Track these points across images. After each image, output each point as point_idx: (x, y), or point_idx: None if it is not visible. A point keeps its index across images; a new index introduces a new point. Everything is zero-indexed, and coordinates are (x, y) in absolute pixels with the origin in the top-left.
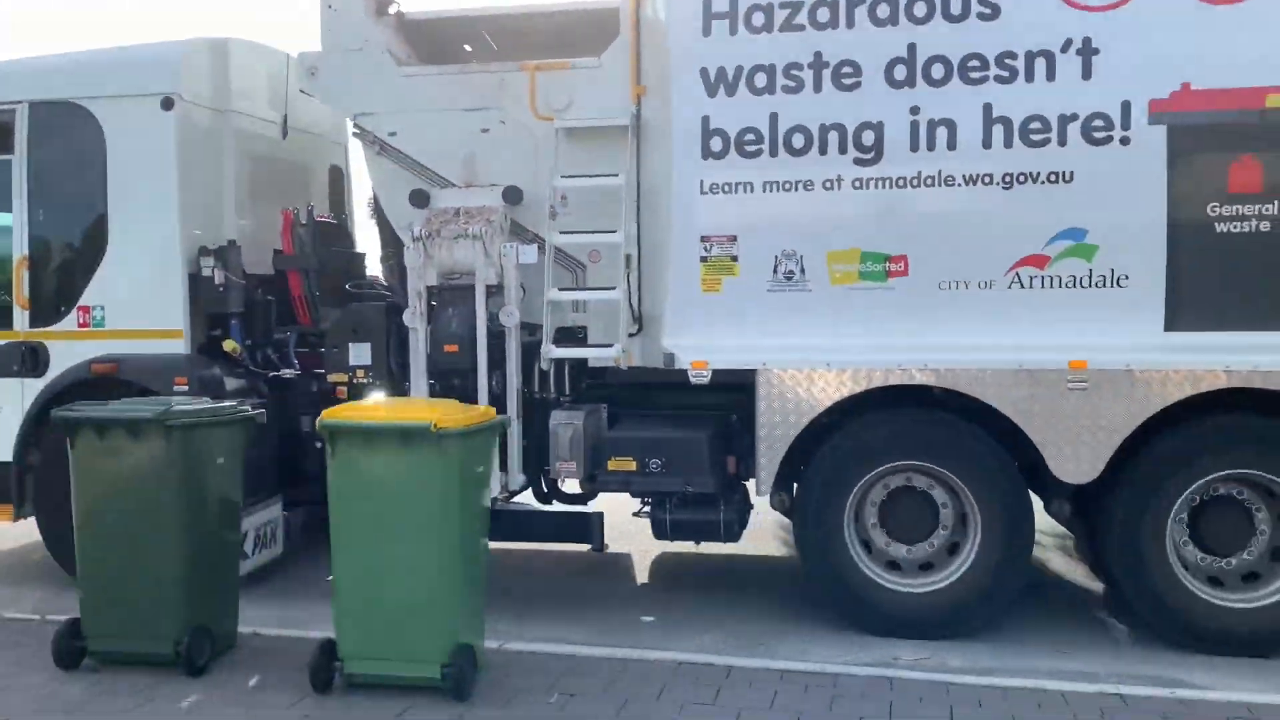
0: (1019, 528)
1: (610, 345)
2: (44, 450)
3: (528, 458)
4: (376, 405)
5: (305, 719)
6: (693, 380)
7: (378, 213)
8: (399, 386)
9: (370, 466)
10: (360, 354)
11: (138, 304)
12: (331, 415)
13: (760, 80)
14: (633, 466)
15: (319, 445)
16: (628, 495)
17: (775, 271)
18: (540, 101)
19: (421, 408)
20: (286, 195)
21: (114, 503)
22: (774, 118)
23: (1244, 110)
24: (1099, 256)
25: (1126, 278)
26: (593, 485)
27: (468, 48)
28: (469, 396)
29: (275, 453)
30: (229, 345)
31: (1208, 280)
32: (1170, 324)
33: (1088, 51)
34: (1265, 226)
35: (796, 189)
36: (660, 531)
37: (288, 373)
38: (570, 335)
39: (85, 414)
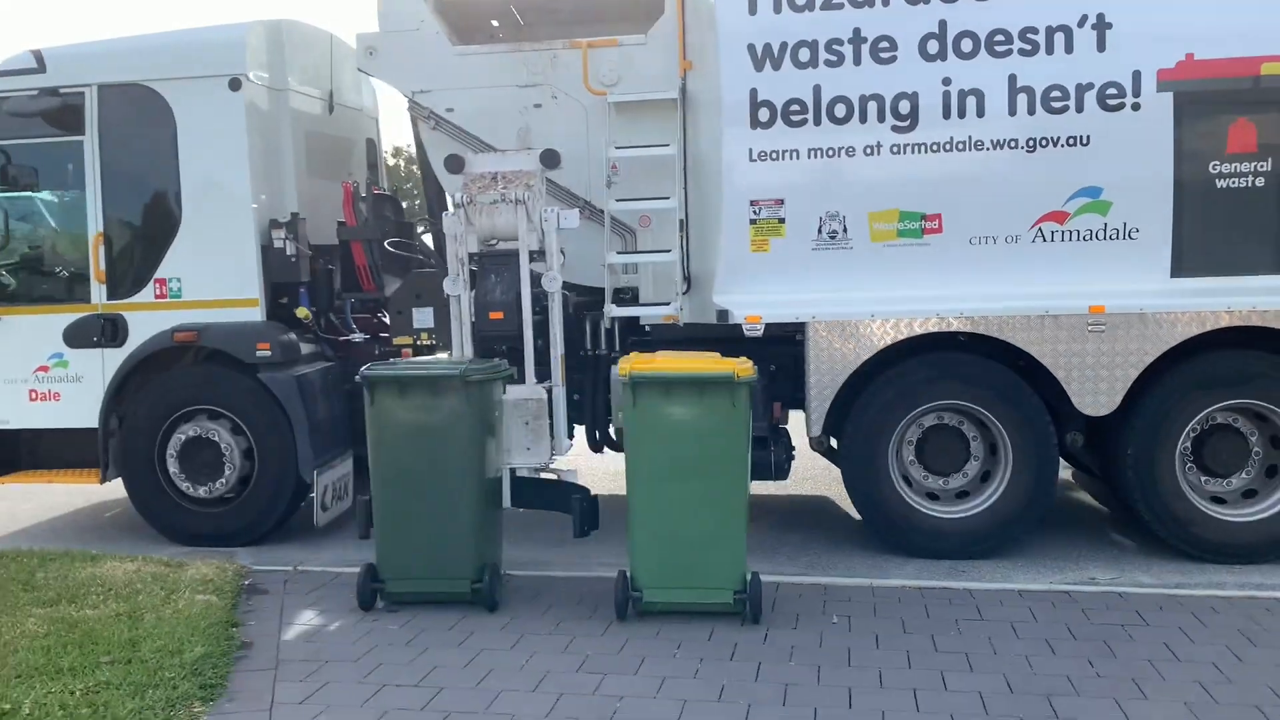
0: (1047, 455)
1: (666, 304)
2: (126, 415)
3: (581, 413)
4: (665, 357)
5: (627, 642)
6: (747, 333)
7: (429, 184)
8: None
9: (670, 413)
10: (423, 318)
11: (213, 275)
12: (635, 367)
13: (804, 55)
14: None
15: None
16: None
17: (820, 231)
18: (592, 76)
19: (708, 360)
20: (334, 168)
21: (412, 454)
22: (817, 89)
23: (1241, 78)
24: (1113, 211)
25: (1138, 230)
26: None
27: (495, 23)
28: (514, 362)
29: (344, 412)
30: (301, 312)
31: (1210, 231)
32: (1176, 271)
33: (1101, 26)
34: (1260, 182)
35: (839, 154)
36: None
37: (357, 337)
38: (618, 296)
39: (390, 373)
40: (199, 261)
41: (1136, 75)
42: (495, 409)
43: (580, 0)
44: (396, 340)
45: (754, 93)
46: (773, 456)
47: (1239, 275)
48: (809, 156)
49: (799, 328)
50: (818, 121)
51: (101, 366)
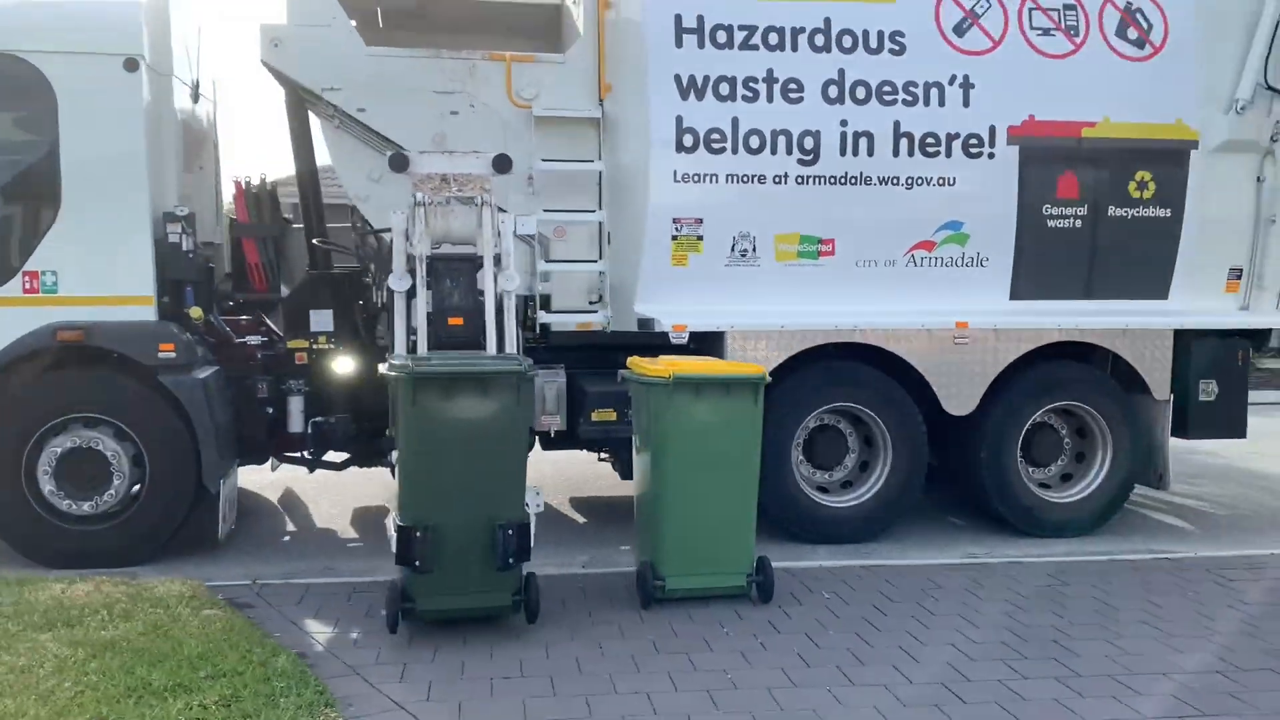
0: (919, 449)
1: (591, 310)
2: None
3: None
4: (674, 360)
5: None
6: (673, 340)
7: (307, 181)
8: (366, 350)
9: (699, 411)
10: (321, 320)
11: (98, 269)
12: (661, 370)
13: (724, 89)
14: (614, 417)
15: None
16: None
17: (733, 250)
18: (514, 89)
19: (727, 364)
20: (197, 160)
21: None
22: (735, 121)
23: (1068, 138)
24: (970, 243)
25: (988, 259)
26: (575, 435)
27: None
28: None
29: (232, 419)
30: (195, 312)
31: (1040, 262)
32: (1014, 294)
33: (967, 85)
34: (1079, 224)
35: (752, 181)
36: (628, 472)
37: (254, 339)
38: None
39: (441, 369)
40: (80, 254)
41: (992, 129)
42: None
43: (480, 11)
44: (292, 343)
45: (680, 119)
46: None
47: (1060, 300)
48: (726, 181)
49: (706, 336)
50: (735, 150)
51: None
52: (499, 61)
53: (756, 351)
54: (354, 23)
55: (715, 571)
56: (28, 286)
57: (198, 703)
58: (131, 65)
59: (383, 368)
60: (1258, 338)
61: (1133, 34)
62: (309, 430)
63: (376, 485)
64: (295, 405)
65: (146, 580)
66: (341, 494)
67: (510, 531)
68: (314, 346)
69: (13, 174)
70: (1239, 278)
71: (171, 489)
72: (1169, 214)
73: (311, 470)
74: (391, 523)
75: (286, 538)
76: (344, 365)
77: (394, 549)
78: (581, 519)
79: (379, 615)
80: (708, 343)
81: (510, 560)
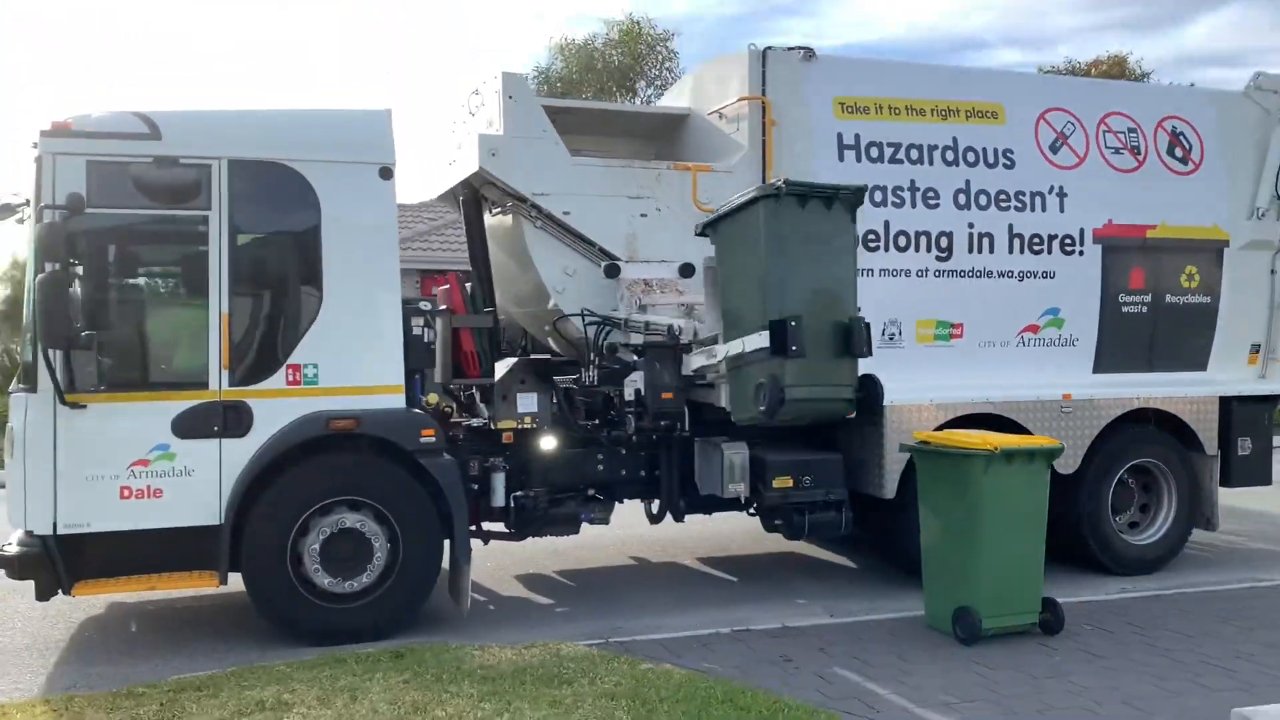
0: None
1: None
2: (251, 509)
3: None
4: (971, 434)
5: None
6: (846, 415)
7: (481, 268)
8: (568, 430)
9: (1007, 477)
10: (528, 403)
11: (355, 362)
12: (989, 443)
13: (878, 196)
14: (790, 484)
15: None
16: None
17: (883, 334)
18: (698, 195)
19: (1020, 437)
20: None
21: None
22: (886, 224)
23: (1135, 238)
24: (1065, 326)
25: (1078, 339)
26: (758, 500)
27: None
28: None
29: None
30: (432, 398)
31: (1116, 340)
32: (1097, 368)
33: (1061, 194)
34: (1144, 309)
35: (899, 275)
36: (796, 533)
37: (476, 421)
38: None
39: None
40: (339, 347)
41: (1081, 231)
42: None
43: (609, 118)
44: (501, 424)
45: None
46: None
47: (1130, 373)
48: (879, 275)
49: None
50: (886, 249)
51: (218, 458)
52: (684, 171)
53: (911, 421)
54: (559, 137)
55: (1017, 612)
56: (291, 379)
57: None
58: (386, 174)
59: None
60: (1272, 401)
61: (1179, 153)
62: (510, 504)
63: (528, 550)
64: (499, 481)
65: (563, 644)
66: (494, 559)
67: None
68: (520, 426)
69: (278, 274)
70: (1258, 351)
71: (423, 566)
72: (1209, 300)
73: (486, 542)
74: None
75: (491, 604)
76: (547, 443)
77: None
78: (732, 578)
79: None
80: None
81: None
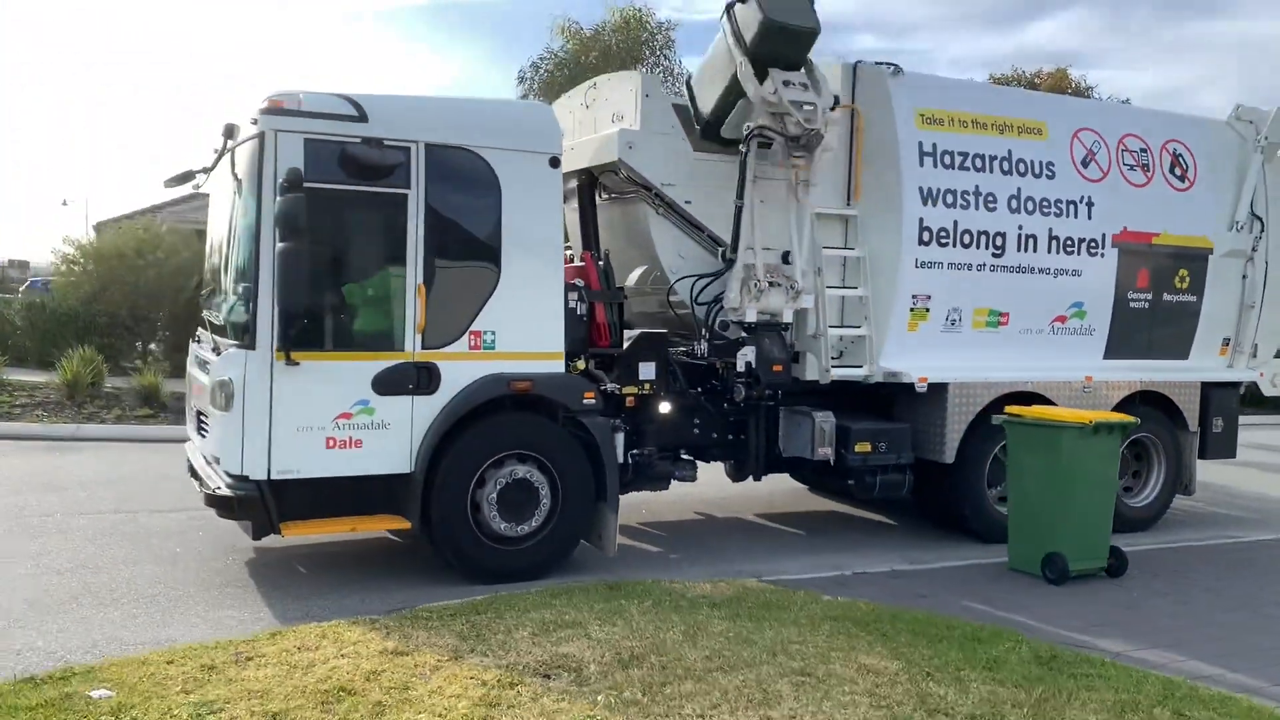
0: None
1: (859, 366)
2: (440, 460)
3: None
4: (1059, 410)
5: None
6: (918, 389)
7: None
8: (679, 396)
9: (1097, 445)
10: (648, 370)
11: (525, 330)
12: (1082, 418)
13: (949, 199)
14: (869, 448)
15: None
16: None
17: (945, 319)
18: (799, 191)
19: (1085, 412)
20: None
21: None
22: (955, 223)
23: (1143, 243)
24: (1087, 317)
25: (1094, 329)
26: (841, 461)
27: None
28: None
29: None
30: (579, 365)
31: (1124, 331)
32: (1107, 355)
33: (1089, 204)
34: (1146, 305)
35: (962, 268)
36: (867, 492)
37: (609, 386)
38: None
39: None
40: (513, 317)
41: (1104, 236)
42: None
43: None
44: (625, 389)
45: (921, 220)
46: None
47: (1133, 359)
48: (947, 267)
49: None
50: (954, 245)
51: (410, 413)
52: (786, 169)
53: (969, 399)
54: (685, 133)
55: (1092, 558)
56: (473, 344)
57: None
58: (555, 163)
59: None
60: (1238, 386)
61: (1178, 171)
62: (628, 461)
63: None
64: (619, 440)
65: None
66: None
67: None
68: (640, 391)
69: (464, 250)
70: (1228, 344)
71: (579, 511)
72: (1195, 299)
73: (624, 492)
74: None
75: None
76: (664, 407)
77: None
78: (799, 530)
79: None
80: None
81: None
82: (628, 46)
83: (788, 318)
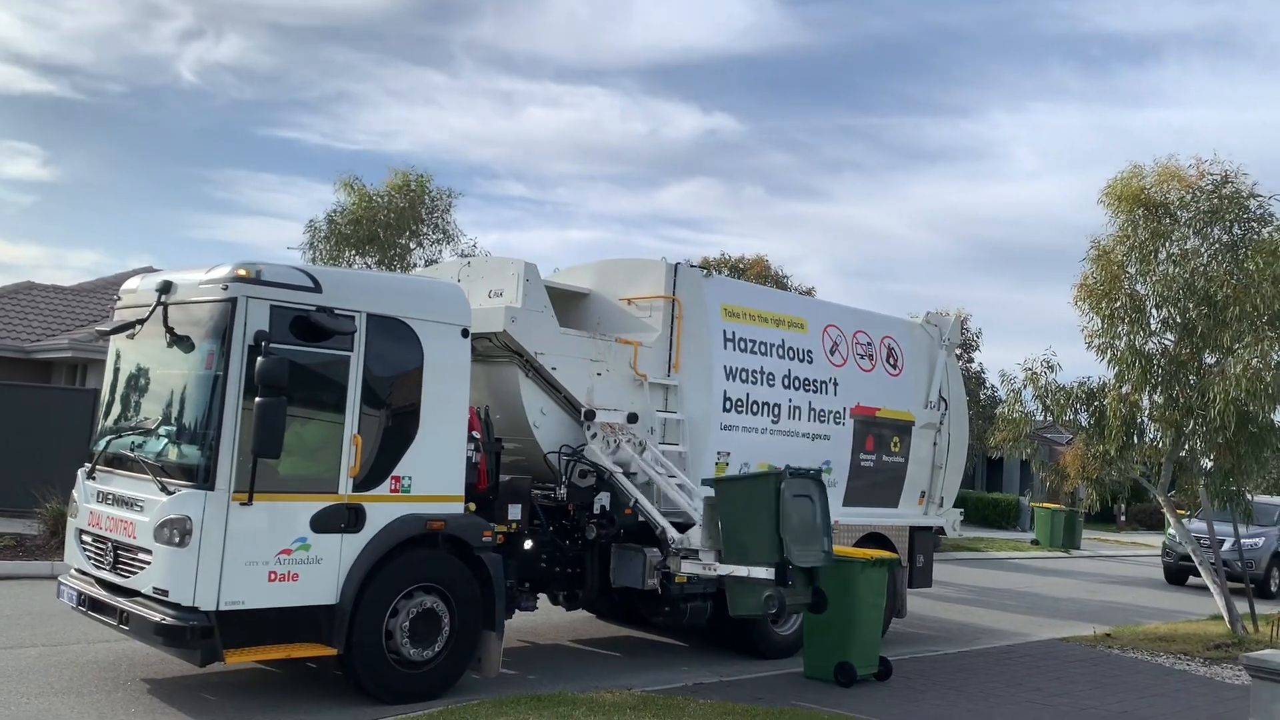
0: None
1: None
2: (371, 591)
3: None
4: (844, 548)
5: (877, 692)
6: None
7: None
8: (537, 534)
9: (868, 577)
10: (515, 511)
11: (434, 476)
12: (861, 555)
13: (744, 376)
14: (685, 580)
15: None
16: None
17: (739, 470)
18: (637, 363)
19: (862, 550)
20: None
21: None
22: (747, 395)
23: (870, 416)
24: (832, 473)
25: (837, 482)
26: (665, 591)
27: None
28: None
29: None
30: (471, 506)
31: (855, 485)
32: (845, 503)
33: (835, 384)
34: (871, 464)
35: (751, 431)
36: (679, 619)
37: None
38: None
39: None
40: (426, 464)
41: (844, 409)
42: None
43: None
44: (498, 529)
45: (725, 392)
46: None
47: (861, 507)
48: (742, 430)
49: None
50: (747, 413)
51: (340, 549)
52: (625, 345)
53: None
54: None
55: (868, 664)
56: (394, 488)
57: None
58: (465, 333)
59: None
60: (932, 530)
61: (892, 361)
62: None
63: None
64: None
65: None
66: None
67: None
68: (508, 530)
69: (392, 404)
70: (923, 496)
71: (472, 637)
72: (903, 461)
73: None
74: None
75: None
76: (527, 544)
77: None
78: (614, 653)
79: (772, 701)
80: None
81: None
82: (409, 207)
83: (634, 469)
